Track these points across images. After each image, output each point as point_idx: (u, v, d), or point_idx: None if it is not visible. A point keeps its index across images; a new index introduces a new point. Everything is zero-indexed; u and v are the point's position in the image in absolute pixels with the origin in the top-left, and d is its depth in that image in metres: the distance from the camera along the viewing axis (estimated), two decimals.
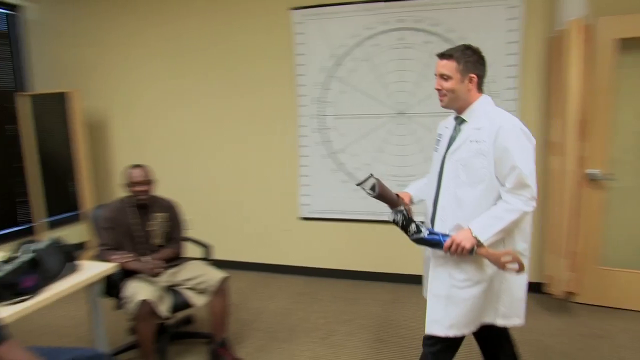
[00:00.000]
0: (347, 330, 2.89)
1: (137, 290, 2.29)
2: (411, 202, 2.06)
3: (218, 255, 3.09)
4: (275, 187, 3.88)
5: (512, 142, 1.70)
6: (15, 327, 2.70)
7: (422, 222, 1.87)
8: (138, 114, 4.20)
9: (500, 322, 1.86)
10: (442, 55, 1.79)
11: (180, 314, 2.70)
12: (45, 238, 2.14)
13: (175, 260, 2.65)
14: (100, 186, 4.37)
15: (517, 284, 1.84)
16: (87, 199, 4.12)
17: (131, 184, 2.51)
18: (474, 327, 1.87)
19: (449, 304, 1.84)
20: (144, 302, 2.23)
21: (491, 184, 1.75)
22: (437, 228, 1.86)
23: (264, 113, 3.80)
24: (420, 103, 3.39)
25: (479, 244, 1.72)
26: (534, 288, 3.12)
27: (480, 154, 1.74)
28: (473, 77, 1.76)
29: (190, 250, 2.80)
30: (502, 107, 1.82)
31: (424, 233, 1.81)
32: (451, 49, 1.78)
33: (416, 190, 2.09)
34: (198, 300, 2.47)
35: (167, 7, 3.92)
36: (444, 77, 1.77)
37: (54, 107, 4.13)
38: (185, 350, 2.72)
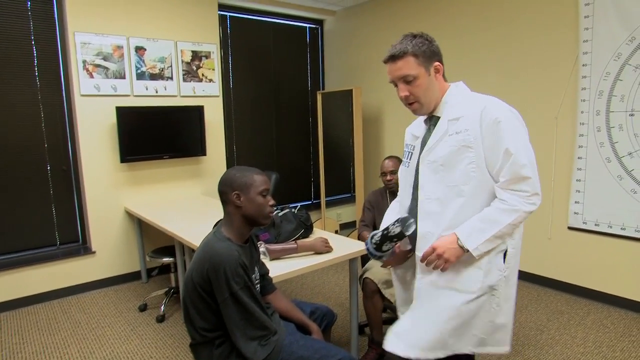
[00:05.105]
0: None
1: (369, 268, 2.51)
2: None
3: None
4: (542, 190, 3.52)
5: (503, 124, 1.39)
6: (296, 283, 3.40)
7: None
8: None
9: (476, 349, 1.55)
10: (394, 57, 1.48)
11: None
12: (286, 208, 2.64)
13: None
14: (371, 173, 4.91)
15: (504, 307, 1.52)
16: (360, 183, 4.72)
17: (383, 173, 2.74)
18: (442, 354, 1.52)
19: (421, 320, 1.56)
20: (367, 280, 2.45)
21: (483, 180, 1.45)
22: (421, 249, 1.54)
23: (535, 110, 3.48)
24: None
25: (466, 253, 1.42)
26: None
27: (465, 146, 1.44)
28: (438, 66, 1.50)
29: None
30: None
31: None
32: (399, 47, 1.47)
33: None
34: None
35: (439, 8, 4.03)
36: (407, 80, 1.48)
37: (339, 103, 4.86)
38: None
